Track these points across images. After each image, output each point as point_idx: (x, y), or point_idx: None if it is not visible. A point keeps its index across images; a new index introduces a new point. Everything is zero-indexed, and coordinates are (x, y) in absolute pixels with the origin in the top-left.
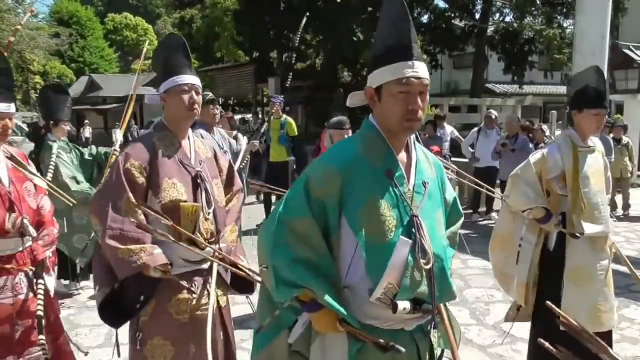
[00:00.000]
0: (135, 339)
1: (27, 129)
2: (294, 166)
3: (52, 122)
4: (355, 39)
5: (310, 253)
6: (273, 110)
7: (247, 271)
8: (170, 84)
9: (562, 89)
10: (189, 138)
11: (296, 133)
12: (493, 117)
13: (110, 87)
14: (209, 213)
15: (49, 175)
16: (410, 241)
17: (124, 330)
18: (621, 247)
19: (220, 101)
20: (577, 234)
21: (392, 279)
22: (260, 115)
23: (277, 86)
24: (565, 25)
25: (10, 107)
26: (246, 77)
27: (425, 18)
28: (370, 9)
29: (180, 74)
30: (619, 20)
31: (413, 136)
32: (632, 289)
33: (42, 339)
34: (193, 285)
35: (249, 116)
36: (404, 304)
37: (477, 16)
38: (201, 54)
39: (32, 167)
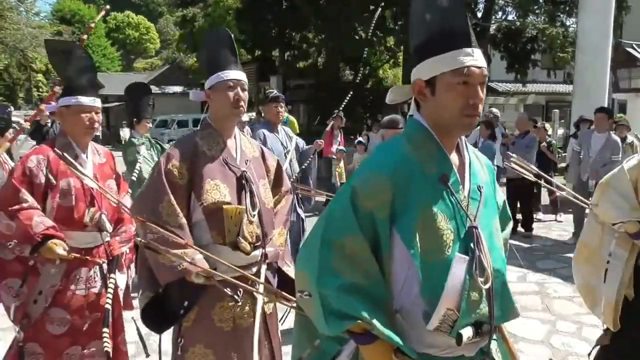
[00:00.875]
0: (177, 345)
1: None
2: None
3: (135, 119)
4: (357, 37)
5: (361, 277)
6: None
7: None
8: (214, 79)
9: (565, 88)
10: (235, 136)
11: (298, 131)
12: (492, 115)
13: (112, 86)
14: (253, 215)
15: (135, 174)
16: (467, 258)
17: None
18: None
19: None
20: None
21: (449, 304)
22: (262, 114)
23: (280, 84)
24: (568, 23)
25: (95, 101)
26: (248, 75)
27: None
28: (372, 7)
29: (225, 69)
30: (622, 18)
31: (464, 136)
32: None
33: (105, 332)
34: (238, 292)
35: (250, 115)
36: (467, 332)
37: (480, 15)
38: None
39: (118, 167)
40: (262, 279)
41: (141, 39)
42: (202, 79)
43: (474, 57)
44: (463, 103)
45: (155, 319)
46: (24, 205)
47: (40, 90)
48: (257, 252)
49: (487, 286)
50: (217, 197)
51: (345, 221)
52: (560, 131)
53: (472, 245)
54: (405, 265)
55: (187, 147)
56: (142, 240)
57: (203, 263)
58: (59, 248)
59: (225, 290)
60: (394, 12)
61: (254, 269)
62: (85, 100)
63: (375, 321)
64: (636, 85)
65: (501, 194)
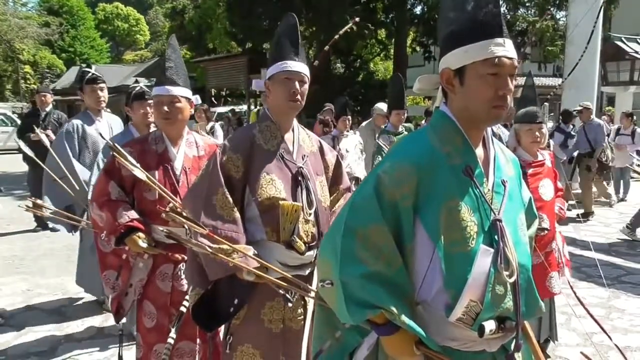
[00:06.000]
0: (226, 342)
1: (17, 120)
2: None
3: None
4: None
5: (384, 266)
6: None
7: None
8: (273, 70)
9: (555, 81)
10: (293, 130)
11: None
12: None
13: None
14: (309, 214)
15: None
16: (492, 250)
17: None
18: (595, 231)
19: (213, 92)
20: None
21: (473, 296)
22: (252, 107)
23: None
24: (558, 17)
25: (169, 91)
26: (239, 68)
27: (418, 9)
28: None
29: (285, 59)
30: (610, 12)
31: (490, 129)
32: (623, 280)
33: (171, 337)
34: (289, 292)
35: (240, 107)
36: (490, 325)
37: None
38: (193, 45)
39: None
40: (315, 281)
41: (130, 31)
42: (191, 71)
43: (505, 48)
44: (492, 94)
45: (206, 316)
46: (112, 197)
47: (28, 82)
48: (312, 253)
49: (512, 280)
50: (273, 192)
51: (369, 210)
52: (550, 124)
53: (496, 238)
54: (427, 256)
55: (244, 139)
56: (183, 238)
57: (254, 260)
58: (141, 241)
59: (277, 289)
60: (385, 4)
61: (308, 271)
62: (157, 90)
63: (398, 311)
64: (624, 78)
65: (527, 191)
